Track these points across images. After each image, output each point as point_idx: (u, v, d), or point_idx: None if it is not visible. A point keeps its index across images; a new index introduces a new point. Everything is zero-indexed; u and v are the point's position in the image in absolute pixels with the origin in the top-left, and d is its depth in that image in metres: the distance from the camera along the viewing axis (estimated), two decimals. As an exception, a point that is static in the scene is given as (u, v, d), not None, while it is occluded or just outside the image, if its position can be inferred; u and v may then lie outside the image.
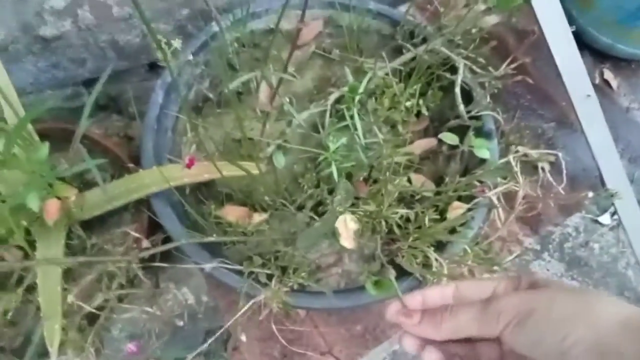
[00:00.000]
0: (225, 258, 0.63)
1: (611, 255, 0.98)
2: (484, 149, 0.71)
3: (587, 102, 0.93)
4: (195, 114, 0.82)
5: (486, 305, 0.38)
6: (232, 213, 0.70)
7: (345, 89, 0.70)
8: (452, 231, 0.67)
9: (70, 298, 0.54)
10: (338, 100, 0.75)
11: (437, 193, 0.70)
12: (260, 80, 0.73)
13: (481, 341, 0.41)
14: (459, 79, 0.74)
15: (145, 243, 0.65)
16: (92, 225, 0.72)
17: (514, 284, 0.41)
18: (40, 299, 0.56)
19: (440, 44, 0.77)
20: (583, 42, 1.10)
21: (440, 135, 0.74)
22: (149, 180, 0.67)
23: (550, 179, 0.70)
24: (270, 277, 0.62)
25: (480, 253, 0.66)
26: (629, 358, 0.31)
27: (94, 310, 0.59)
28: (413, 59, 0.79)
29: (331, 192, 0.70)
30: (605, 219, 1.00)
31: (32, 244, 0.65)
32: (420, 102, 0.79)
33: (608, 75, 1.14)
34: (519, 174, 0.67)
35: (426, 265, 0.64)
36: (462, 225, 0.67)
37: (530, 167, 0.71)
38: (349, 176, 0.71)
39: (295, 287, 0.64)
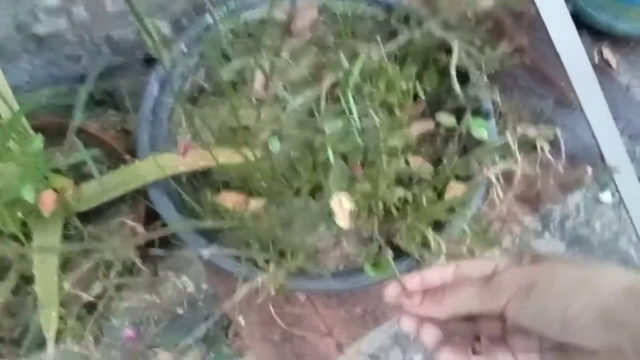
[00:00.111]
0: (223, 244, 0.63)
1: (612, 233, 0.97)
2: (482, 129, 0.70)
3: (586, 81, 0.92)
4: (191, 104, 0.82)
5: (488, 280, 0.38)
6: (228, 199, 0.70)
7: (340, 73, 0.70)
8: (451, 211, 0.67)
9: (66, 286, 0.54)
10: (334, 86, 0.75)
11: (435, 174, 0.69)
12: (255, 69, 0.73)
13: (482, 318, 0.40)
14: (454, 59, 0.74)
15: (142, 231, 0.65)
16: (89, 216, 0.72)
17: (516, 261, 0.41)
18: (37, 288, 0.56)
19: (434, 26, 0.76)
20: (582, 22, 1.09)
21: (436, 116, 0.73)
22: (144, 170, 0.68)
23: (550, 157, 0.70)
24: (268, 261, 0.62)
25: (479, 233, 0.65)
26: (635, 323, 0.31)
27: (92, 299, 0.60)
28: (409, 43, 0.79)
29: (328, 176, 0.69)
30: (606, 197, 0.99)
31: (28, 237, 0.65)
32: (417, 85, 0.79)
33: (607, 54, 1.13)
34: (517, 152, 0.66)
35: (425, 245, 0.63)
36: (461, 205, 0.67)
37: (529, 147, 0.70)
38: (345, 158, 0.71)
39: (294, 270, 0.63)
